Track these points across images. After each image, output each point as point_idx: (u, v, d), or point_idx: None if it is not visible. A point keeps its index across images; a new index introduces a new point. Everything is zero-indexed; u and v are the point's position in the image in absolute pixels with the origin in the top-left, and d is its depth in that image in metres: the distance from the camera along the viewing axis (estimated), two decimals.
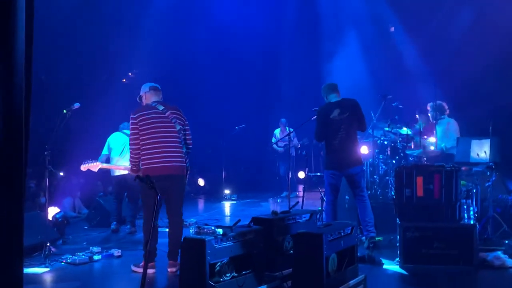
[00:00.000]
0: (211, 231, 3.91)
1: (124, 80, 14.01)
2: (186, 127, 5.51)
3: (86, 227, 8.68)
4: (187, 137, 5.51)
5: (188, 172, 5.59)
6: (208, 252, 3.75)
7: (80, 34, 11.43)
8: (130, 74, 14.17)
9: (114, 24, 11.92)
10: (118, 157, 7.94)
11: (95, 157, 8.13)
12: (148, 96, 5.56)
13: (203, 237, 3.82)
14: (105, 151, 8.03)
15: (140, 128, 5.29)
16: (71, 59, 11.16)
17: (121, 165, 7.42)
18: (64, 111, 6.37)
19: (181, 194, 5.51)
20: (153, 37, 12.15)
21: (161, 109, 5.37)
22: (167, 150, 5.28)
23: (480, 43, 9.64)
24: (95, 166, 6.80)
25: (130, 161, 5.51)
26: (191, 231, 4.06)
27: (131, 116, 5.39)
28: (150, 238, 4.36)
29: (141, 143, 5.31)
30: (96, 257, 6.08)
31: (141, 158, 5.34)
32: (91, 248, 6.35)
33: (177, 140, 5.36)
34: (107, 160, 7.99)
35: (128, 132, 7.95)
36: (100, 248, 6.38)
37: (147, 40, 12.04)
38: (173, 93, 11.53)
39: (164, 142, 5.28)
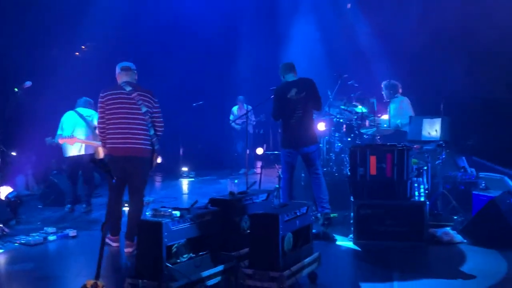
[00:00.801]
0: (167, 213, 3.91)
1: (77, 53, 13.60)
2: (155, 110, 5.46)
3: (40, 206, 8.50)
4: (156, 119, 5.48)
5: (157, 154, 5.57)
6: (165, 235, 3.75)
7: (31, 5, 10.96)
8: (83, 47, 13.76)
9: None
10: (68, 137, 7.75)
11: (48, 134, 7.98)
12: (119, 76, 5.52)
13: (160, 219, 3.81)
14: (59, 131, 7.85)
15: (106, 108, 5.31)
16: (20, 33, 10.70)
17: (94, 142, 7.37)
18: (15, 89, 6.17)
19: (143, 176, 5.51)
20: (109, 9, 11.78)
21: (127, 89, 5.33)
22: (130, 132, 5.27)
23: (434, 23, 9.83)
24: (71, 140, 7.16)
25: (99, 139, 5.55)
26: (147, 213, 4.05)
27: (99, 95, 5.39)
28: (106, 219, 4.33)
29: (106, 122, 5.32)
30: (51, 238, 6.02)
31: (107, 137, 5.35)
32: (45, 228, 6.29)
33: (142, 122, 5.33)
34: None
35: (80, 110, 7.89)
36: (55, 228, 6.32)
37: (101, 11, 11.67)
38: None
39: (127, 123, 5.27)
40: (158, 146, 5.53)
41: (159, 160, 5.78)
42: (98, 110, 5.44)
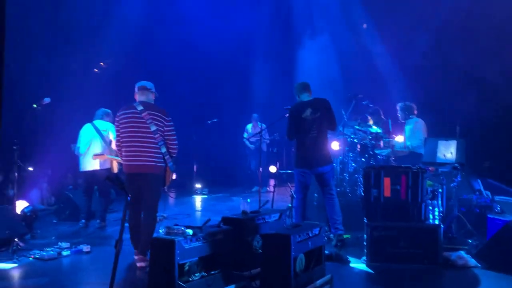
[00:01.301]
0: (180, 231, 3.94)
1: (96, 70, 13.80)
2: (167, 128, 5.59)
3: (55, 221, 8.57)
4: (169, 138, 5.61)
5: (171, 172, 5.73)
6: (178, 253, 3.78)
7: (50, 22, 11.18)
8: (102, 64, 13.96)
9: (86, 13, 11.70)
10: (85, 152, 7.88)
11: (66, 150, 8.09)
12: (136, 95, 5.76)
13: (173, 237, 3.84)
14: (78, 144, 7.97)
15: (120, 127, 5.59)
16: (41, 50, 10.91)
17: (114, 158, 7.57)
18: (34, 105, 6.29)
19: (154, 192, 5.63)
20: (127, 26, 11.98)
21: (139, 109, 5.52)
22: (138, 149, 5.46)
23: (450, 45, 9.83)
24: (102, 157, 7.50)
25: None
26: (160, 231, 4.08)
27: (116, 114, 5.68)
28: (120, 236, 4.35)
29: (121, 140, 5.60)
30: (65, 253, 6.05)
31: (122, 155, 5.64)
32: (59, 243, 6.32)
33: (151, 140, 5.47)
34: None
35: (97, 123, 8.01)
36: (69, 243, 6.34)
37: (120, 29, 11.87)
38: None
39: (136, 142, 5.47)
40: (171, 164, 5.66)
41: (173, 176, 5.84)
42: (115, 128, 5.73)
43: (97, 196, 8.26)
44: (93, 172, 7.85)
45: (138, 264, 5.45)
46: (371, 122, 8.45)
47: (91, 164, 7.87)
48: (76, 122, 8.44)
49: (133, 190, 5.37)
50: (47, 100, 6.50)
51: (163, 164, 5.58)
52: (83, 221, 8.00)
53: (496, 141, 10.18)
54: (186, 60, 13.56)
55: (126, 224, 6.65)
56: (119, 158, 6.70)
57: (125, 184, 3.69)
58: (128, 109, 5.59)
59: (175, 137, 5.68)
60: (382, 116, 8.58)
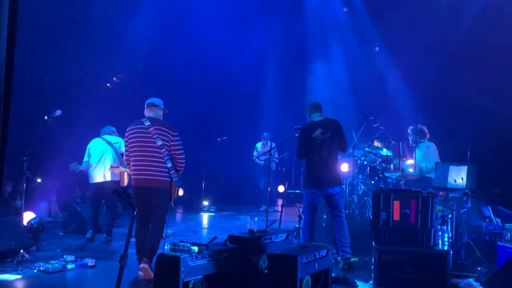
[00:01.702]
0: (186, 248, 3.90)
1: (108, 84, 13.92)
2: (173, 143, 5.71)
3: (61, 234, 8.58)
4: (176, 152, 5.73)
5: (178, 187, 5.82)
6: (182, 270, 3.75)
7: (65, 35, 11.33)
8: (114, 79, 14.09)
9: (100, 27, 11.84)
10: (96, 164, 7.95)
11: (75, 161, 8.12)
12: (145, 111, 5.92)
13: (178, 254, 3.81)
14: (85, 158, 8.05)
15: (128, 141, 5.76)
16: (54, 61, 11.04)
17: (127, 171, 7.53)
18: (46, 117, 6.33)
19: (160, 206, 5.71)
20: (141, 43, 12.10)
21: (146, 124, 5.66)
22: (145, 164, 5.59)
23: (462, 71, 9.81)
24: (117, 169, 7.63)
25: None
26: (166, 247, 4.05)
27: (126, 130, 5.86)
28: (125, 251, 4.32)
29: (130, 155, 5.76)
30: (69, 266, 6.02)
31: (131, 169, 5.78)
32: (65, 256, 6.28)
33: (157, 154, 5.59)
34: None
35: (107, 137, 8.08)
36: (74, 256, 6.31)
37: (134, 45, 11.99)
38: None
39: (143, 156, 5.61)
40: (177, 179, 5.75)
41: (180, 192, 5.87)
42: (124, 143, 5.92)
43: (104, 210, 8.26)
44: (102, 184, 7.89)
45: (141, 273, 5.45)
46: (378, 144, 8.42)
47: (101, 176, 7.93)
48: (86, 135, 8.49)
49: (140, 204, 5.52)
50: (58, 112, 6.53)
51: (169, 179, 5.68)
52: (89, 234, 7.98)
53: (507, 168, 10.09)
54: (198, 77, 13.66)
55: (132, 239, 6.68)
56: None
57: (132, 197, 3.67)
58: (136, 124, 5.75)
59: (182, 151, 5.79)
60: (391, 139, 8.53)
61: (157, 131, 5.62)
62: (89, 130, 8.93)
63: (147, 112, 5.88)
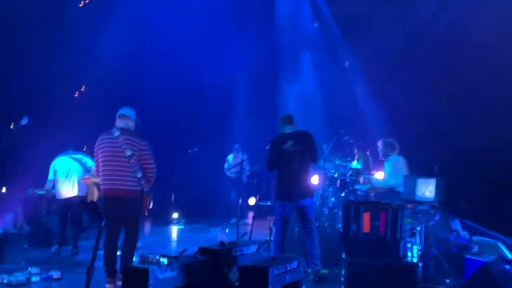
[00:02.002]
0: (155, 261, 3.83)
1: (76, 95, 13.69)
2: (144, 153, 5.64)
3: (26, 246, 8.38)
4: (146, 162, 5.65)
5: (148, 196, 5.69)
6: (151, 282, 3.67)
7: (33, 44, 11.11)
8: (82, 89, 13.87)
9: (70, 36, 11.67)
10: (64, 179, 7.84)
11: (40, 174, 7.96)
12: (116, 122, 5.86)
13: (147, 266, 3.73)
14: (50, 177, 7.97)
15: (98, 152, 5.72)
16: (21, 72, 10.81)
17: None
18: (11, 126, 6.19)
19: (131, 217, 5.65)
20: (110, 54, 11.95)
21: (115, 135, 5.62)
22: (112, 174, 5.56)
23: (431, 86, 10.01)
24: (89, 180, 7.60)
25: None
26: (134, 259, 3.96)
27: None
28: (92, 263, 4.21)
29: (99, 165, 5.72)
30: (34, 279, 5.91)
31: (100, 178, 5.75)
32: (29, 268, 6.13)
33: (125, 164, 5.54)
34: (54, 185, 7.92)
35: (71, 154, 8.03)
36: (39, 269, 6.16)
37: (104, 56, 11.84)
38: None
39: (110, 166, 5.58)
40: (148, 189, 5.66)
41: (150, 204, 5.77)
42: (94, 154, 5.84)
43: (70, 222, 8.10)
44: (70, 199, 7.81)
45: (108, 286, 5.38)
46: (356, 158, 8.49)
47: (69, 191, 7.83)
48: (53, 145, 8.33)
49: (109, 215, 5.48)
50: (24, 121, 6.42)
51: (139, 189, 5.59)
52: (56, 246, 7.83)
53: (475, 181, 10.29)
54: (168, 89, 13.53)
55: (100, 251, 6.57)
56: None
57: (102, 209, 3.60)
58: (105, 134, 5.73)
59: (152, 161, 5.72)
60: (368, 153, 8.62)
61: (126, 141, 5.57)
62: (56, 140, 8.74)
63: (118, 123, 5.82)
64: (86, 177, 7.77)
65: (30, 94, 11.04)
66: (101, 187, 5.69)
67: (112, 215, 5.53)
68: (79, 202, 3.76)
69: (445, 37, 10.22)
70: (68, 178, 7.87)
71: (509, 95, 9.09)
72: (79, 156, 8.14)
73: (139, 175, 5.56)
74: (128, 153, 5.52)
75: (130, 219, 5.63)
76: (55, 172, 7.91)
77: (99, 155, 5.69)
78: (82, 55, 11.67)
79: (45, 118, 10.17)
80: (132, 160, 5.53)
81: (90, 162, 8.08)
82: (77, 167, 7.95)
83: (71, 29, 11.39)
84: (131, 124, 5.86)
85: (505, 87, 9.18)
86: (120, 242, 5.74)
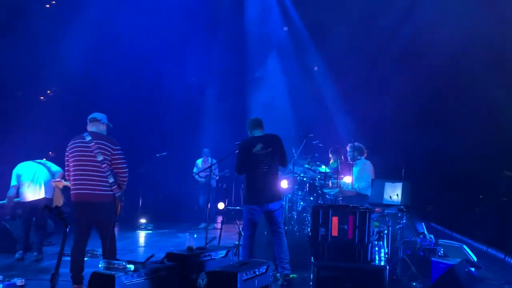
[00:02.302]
0: (121, 267, 3.75)
1: (42, 97, 13.42)
2: (115, 157, 5.61)
3: None
4: (117, 166, 5.63)
5: (119, 201, 5.66)
6: None
7: None
8: (48, 92, 13.60)
9: (36, 37, 11.42)
10: (30, 182, 7.66)
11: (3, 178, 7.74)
12: (87, 126, 5.81)
13: (113, 272, 3.65)
14: (13, 182, 7.75)
15: (69, 157, 5.63)
16: None
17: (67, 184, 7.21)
18: None
19: (104, 221, 5.56)
20: (76, 55, 11.75)
21: (87, 139, 5.57)
22: (84, 178, 5.47)
23: (400, 92, 10.17)
24: (60, 183, 7.27)
25: None
26: (100, 265, 3.87)
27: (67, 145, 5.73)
28: (56, 269, 4.11)
29: (70, 170, 5.62)
30: None
31: (70, 183, 5.63)
32: None
33: (97, 169, 5.48)
34: (18, 190, 7.74)
35: (37, 160, 7.85)
36: (1, 276, 5.99)
37: (69, 57, 11.63)
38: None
39: (82, 171, 5.49)
40: (119, 194, 5.62)
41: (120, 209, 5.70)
42: (65, 158, 5.69)
43: (33, 228, 7.89)
44: (36, 202, 7.60)
45: None
46: (331, 161, 8.56)
47: (35, 194, 7.66)
48: (18, 149, 8.14)
49: (79, 220, 5.46)
50: None
51: (111, 193, 5.54)
52: (20, 252, 7.61)
53: (441, 186, 10.49)
54: (137, 93, 13.41)
55: (67, 258, 6.46)
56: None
57: (71, 214, 3.52)
58: (76, 139, 5.65)
59: (124, 166, 5.68)
60: (342, 157, 8.69)
61: (98, 146, 5.53)
62: (20, 143, 8.55)
63: (89, 127, 5.77)
64: (58, 179, 7.56)
65: None
66: (72, 192, 5.58)
67: (82, 220, 5.47)
68: (44, 207, 3.65)
69: (414, 41, 10.41)
70: (34, 180, 7.68)
71: (474, 104, 9.35)
72: (42, 161, 8.01)
73: (111, 180, 5.53)
74: (100, 158, 5.48)
75: (105, 223, 5.55)
76: (19, 177, 7.71)
77: (70, 160, 5.61)
78: (49, 57, 11.44)
79: (9, 122, 9.94)
80: (104, 165, 5.49)
81: (54, 167, 7.97)
82: (43, 170, 7.81)
83: (37, 30, 11.14)
84: (102, 128, 5.82)
85: (472, 98, 9.44)
86: (88, 248, 5.66)
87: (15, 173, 7.76)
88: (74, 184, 5.54)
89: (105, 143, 5.59)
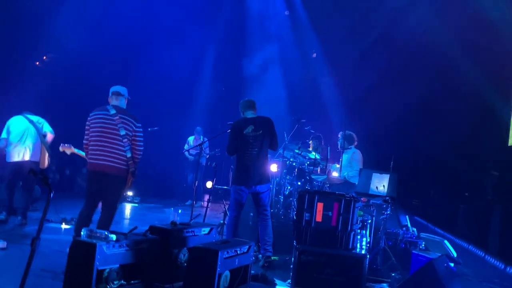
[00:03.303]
0: (103, 236, 3.77)
1: (37, 63, 13.31)
2: (136, 134, 5.78)
3: None
4: (136, 143, 5.80)
5: (132, 176, 5.82)
6: (98, 258, 3.61)
7: None
8: (44, 58, 13.49)
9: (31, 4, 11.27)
10: (17, 142, 7.57)
11: None
12: (110, 99, 5.94)
13: (94, 241, 3.67)
14: (3, 135, 7.64)
15: (91, 126, 5.72)
16: None
17: (79, 153, 7.10)
18: None
19: (114, 192, 5.74)
20: (73, 21, 11.61)
21: (111, 113, 5.70)
22: (104, 150, 5.61)
23: (393, 83, 10.19)
24: (69, 149, 6.95)
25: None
26: (82, 233, 3.89)
27: (89, 114, 5.82)
28: (37, 233, 4.11)
29: (90, 139, 5.72)
30: None
31: (88, 153, 5.74)
32: None
33: (118, 143, 5.64)
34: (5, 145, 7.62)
35: (29, 116, 7.71)
36: None
37: (66, 25, 11.50)
38: (87, 86, 11.07)
39: (104, 142, 5.62)
40: (134, 169, 5.78)
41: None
42: (85, 127, 5.79)
43: (20, 192, 7.86)
44: (21, 164, 7.53)
45: None
46: (311, 148, 8.57)
47: (20, 155, 7.58)
48: (11, 113, 8.06)
49: (91, 188, 5.66)
50: None
51: (126, 167, 5.69)
52: (4, 213, 7.59)
53: (427, 181, 10.56)
54: (133, 63, 13.29)
55: (50, 225, 6.50)
56: (83, 153, 6.50)
57: (49, 178, 3.50)
58: (100, 110, 5.75)
59: (141, 143, 5.86)
60: (323, 143, 8.71)
61: (122, 120, 5.68)
62: (15, 108, 8.48)
63: (112, 100, 5.89)
64: (66, 145, 7.38)
65: None
66: (89, 161, 5.70)
67: (93, 188, 5.64)
68: (29, 171, 3.63)
69: (414, 32, 10.38)
70: (22, 142, 7.59)
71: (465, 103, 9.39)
72: (35, 118, 7.84)
73: (129, 155, 5.68)
74: (122, 132, 5.63)
75: (113, 193, 5.71)
76: (8, 133, 7.61)
77: (91, 130, 5.70)
78: (44, 23, 11.31)
79: (4, 85, 9.85)
80: (124, 140, 5.64)
81: (46, 127, 7.87)
82: (32, 130, 7.67)
83: None
84: (124, 102, 5.97)
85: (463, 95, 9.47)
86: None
87: (6, 127, 7.66)
88: (92, 154, 5.66)
89: (129, 118, 5.74)
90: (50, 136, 7.85)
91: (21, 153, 7.59)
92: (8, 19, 10.80)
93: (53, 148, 7.89)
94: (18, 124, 7.67)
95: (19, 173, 7.61)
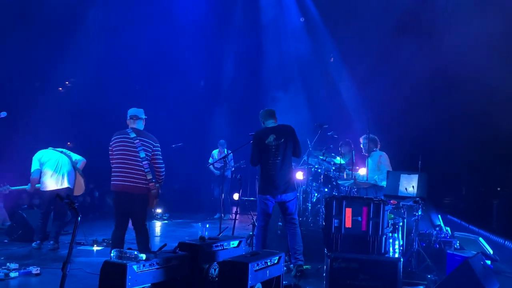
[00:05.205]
0: (133, 256, 3.77)
1: (60, 88, 13.54)
2: (155, 153, 6.08)
3: (6, 241, 8.22)
4: (156, 162, 6.10)
5: (156, 196, 6.07)
6: (129, 278, 3.61)
7: (12, 34, 10.89)
8: (67, 83, 13.71)
9: (52, 28, 11.48)
10: (53, 171, 7.70)
11: (19, 169, 7.79)
12: (128, 122, 6.22)
13: (124, 261, 3.67)
14: (36, 166, 7.73)
15: (113, 150, 6.03)
16: (3, 62, 10.62)
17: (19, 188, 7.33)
18: None
19: (140, 210, 6.00)
20: (93, 46, 11.82)
21: (132, 136, 5.99)
22: (126, 171, 5.90)
23: (416, 82, 10.03)
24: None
25: None
26: (112, 254, 3.90)
27: (111, 139, 6.13)
28: (68, 257, 4.14)
29: (113, 162, 6.02)
30: (12, 274, 5.78)
31: (112, 175, 6.01)
32: (8, 264, 6.02)
33: (139, 164, 5.93)
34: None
35: (56, 148, 7.90)
36: (18, 264, 6.06)
37: (87, 48, 11.70)
38: (110, 106, 11.21)
39: (125, 164, 5.92)
40: (156, 189, 6.04)
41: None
42: (109, 151, 6.08)
43: (52, 217, 7.97)
44: (57, 192, 7.62)
45: None
46: (341, 155, 8.48)
47: (58, 183, 7.75)
48: (36, 140, 8.21)
49: (119, 207, 5.95)
50: (3, 114, 6.34)
51: (147, 186, 5.94)
52: (37, 242, 7.68)
53: (458, 178, 10.35)
54: (154, 81, 13.44)
55: (80, 247, 6.57)
56: (24, 187, 6.77)
57: (75, 203, 3.53)
58: (121, 134, 6.05)
59: (162, 162, 6.13)
60: (353, 147, 8.60)
61: (142, 143, 5.98)
62: (39, 134, 8.64)
63: (130, 124, 6.15)
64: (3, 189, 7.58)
65: (11, 90, 10.87)
66: (112, 182, 5.95)
67: (120, 208, 5.94)
68: (56, 195, 3.67)
69: (433, 26, 10.24)
70: (57, 170, 7.75)
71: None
72: (62, 149, 8.06)
73: (149, 176, 5.96)
74: (142, 154, 5.92)
75: (138, 210, 5.95)
76: (41, 164, 7.74)
77: (114, 153, 5.97)
78: (65, 47, 11.51)
79: (27, 113, 10.03)
80: (144, 162, 5.93)
81: (74, 156, 8.04)
82: (65, 159, 7.89)
83: (53, 21, 11.20)
84: (142, 123, 6.24)
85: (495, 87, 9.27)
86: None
87: (37, 159, 7.77)
88: (115, 176, 5.93)
89: (148, 140, 6.04)
90: (83, 163, 8.13)
91: (59, 182, 7.77)
92: (29, 48, 11.02)
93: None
94: (49, 155, 7.85)
95: (54, 201, 7.72)
